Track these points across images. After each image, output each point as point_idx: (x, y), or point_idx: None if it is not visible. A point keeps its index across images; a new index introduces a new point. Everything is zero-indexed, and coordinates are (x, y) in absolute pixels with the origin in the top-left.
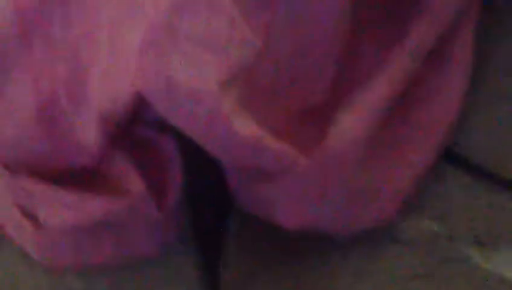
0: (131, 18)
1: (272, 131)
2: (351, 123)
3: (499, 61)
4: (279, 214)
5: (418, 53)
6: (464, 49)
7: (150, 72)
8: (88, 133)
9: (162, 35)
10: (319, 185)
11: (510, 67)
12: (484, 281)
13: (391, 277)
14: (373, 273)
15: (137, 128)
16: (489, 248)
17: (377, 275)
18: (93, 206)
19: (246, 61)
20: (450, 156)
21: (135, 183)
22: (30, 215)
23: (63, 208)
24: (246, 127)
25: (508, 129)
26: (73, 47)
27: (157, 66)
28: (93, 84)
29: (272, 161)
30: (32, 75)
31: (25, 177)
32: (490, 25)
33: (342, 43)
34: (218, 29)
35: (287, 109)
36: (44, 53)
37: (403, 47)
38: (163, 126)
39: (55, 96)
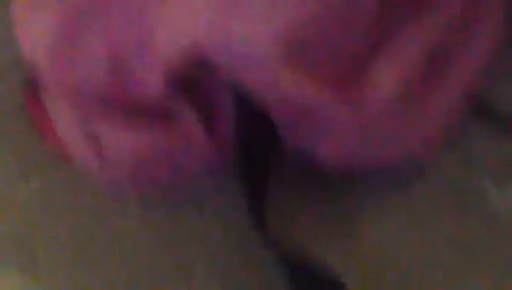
0: None
1: (316, 82)
2: (389, 71)
3: None
4: (320, 152)
5: (455, 13)
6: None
7: (209, 26)
8: (151, 78)
9: None
10: (357, 125)
11: None
12: (499, 217)
13: (413, 210)
14: (396, 206)
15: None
16: (505, 185)
17: (399, 208)
18: (153, 132)
19: (301, 18)
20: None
21: (189, 116)
22: (94, 137)
23: (126, 132)
24: (294, 80)
25: None
26: (143, 7)
27: (215, 21)
28: (160, 38)
29: (315, 111)
30: (107, 29)
31: (92, 105)
32: None
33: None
34: None
35: (330, 61)
36: (121, 10)
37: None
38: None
39: (125, 49)
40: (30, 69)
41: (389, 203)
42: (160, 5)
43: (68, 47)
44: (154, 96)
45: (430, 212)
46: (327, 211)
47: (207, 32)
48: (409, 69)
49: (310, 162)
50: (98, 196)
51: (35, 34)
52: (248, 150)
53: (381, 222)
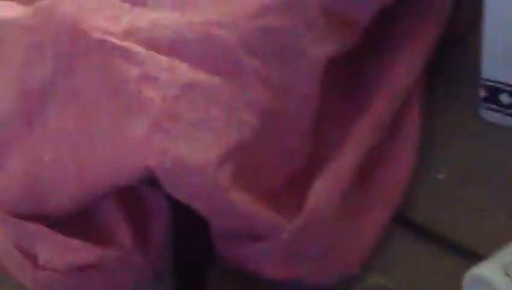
0: (133, 111)
1: (261, 200)
2: (325, 191)
3: (440, 133)
4: (263, 269)
5: (379, 127)
6: (413, 122)
7: (159, 152)
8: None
9: (166, 121)
10: (299, 245)
11: (449, 139)
12: None
13: None
14: None
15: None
16: None
17: None
18: (86, 253)
19: (243, 140)
20: (399, 218)
21: (124, 236)
22: (30, 256)
23: (60, 251)
24: (241, 199)
25: (446, 192)
26: (64, 137)
27: (164, 147)
28: (88, 167)
29: (261, 228)
30: (24, 156)
31: (27, 222)
32: (431, 103)
33: (315, 117)
34: (216, 116)
35: (272, 179)
36: (39, 140)
37: (366, 121)
38: (153, 183)
39: (38, 179)
40: None
41: None
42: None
43: None
44: (75, 213)
45: None
46: None
47: (155, 159)
48: (344, 182)
49: (244, 270)
50: None
51: None
52: (183, 261)
53: None
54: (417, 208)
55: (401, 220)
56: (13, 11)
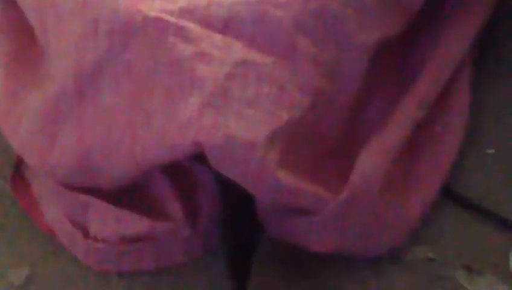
0: (186, 87)
1: (306, 175)
2: (370, 163)
3: (490, 108)
4: (311, 242)
5: (425, 103)
6: (462, 97)
7: (210, 128)
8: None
9: (218, 99)
10: (345, 217)
11: (500, 114)
12: None
13: None
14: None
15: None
16: (475, 273)
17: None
18: (138, 224)
19: (292, 120)
20: (448, 193)
21: (174, 209)
22: (81, 227)
23: (112, 222)
24: (287, 175)
25: (497, 169)
26: (117, 112)
27: (215, 123)
28: (137, 142)
29: (307, 202)
30: (77, 131)
31: (81, 193)
32: (482, 78)
33: (359, 94)
34: (267, 95)
35: (315, 152)
36: (92, 114)
37: (411, 98)
38: (201, 158)
39: (91, 153)
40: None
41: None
42: (139, 110)
43: (44, 135)
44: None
45: None
46: None
47: (206, 134)
48: (389, 155)
49: (292, 244)
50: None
51: (15, 122)
52: (233, 234)
53: None
54: (465, 183)
55: (450, 194)
56: None
